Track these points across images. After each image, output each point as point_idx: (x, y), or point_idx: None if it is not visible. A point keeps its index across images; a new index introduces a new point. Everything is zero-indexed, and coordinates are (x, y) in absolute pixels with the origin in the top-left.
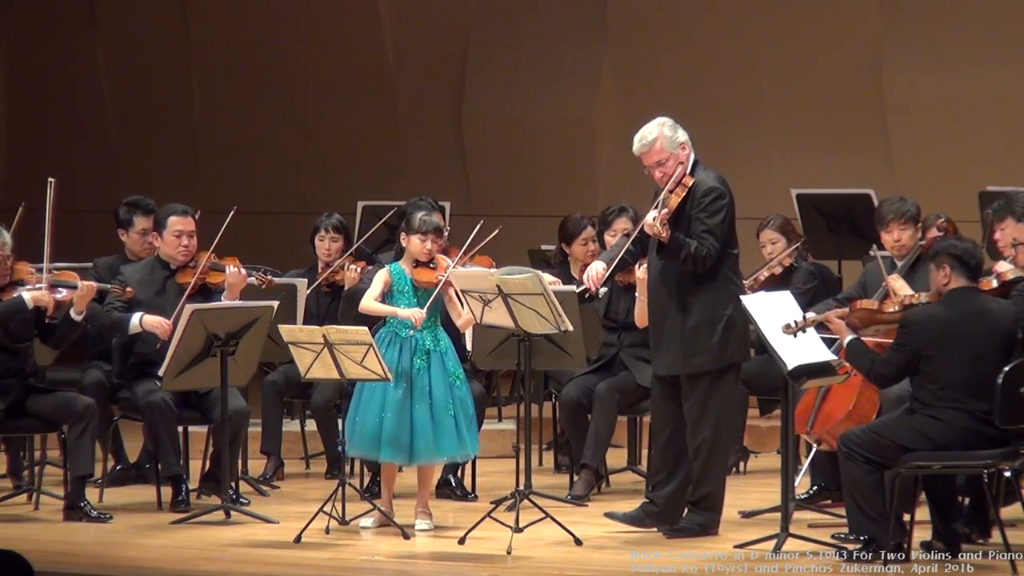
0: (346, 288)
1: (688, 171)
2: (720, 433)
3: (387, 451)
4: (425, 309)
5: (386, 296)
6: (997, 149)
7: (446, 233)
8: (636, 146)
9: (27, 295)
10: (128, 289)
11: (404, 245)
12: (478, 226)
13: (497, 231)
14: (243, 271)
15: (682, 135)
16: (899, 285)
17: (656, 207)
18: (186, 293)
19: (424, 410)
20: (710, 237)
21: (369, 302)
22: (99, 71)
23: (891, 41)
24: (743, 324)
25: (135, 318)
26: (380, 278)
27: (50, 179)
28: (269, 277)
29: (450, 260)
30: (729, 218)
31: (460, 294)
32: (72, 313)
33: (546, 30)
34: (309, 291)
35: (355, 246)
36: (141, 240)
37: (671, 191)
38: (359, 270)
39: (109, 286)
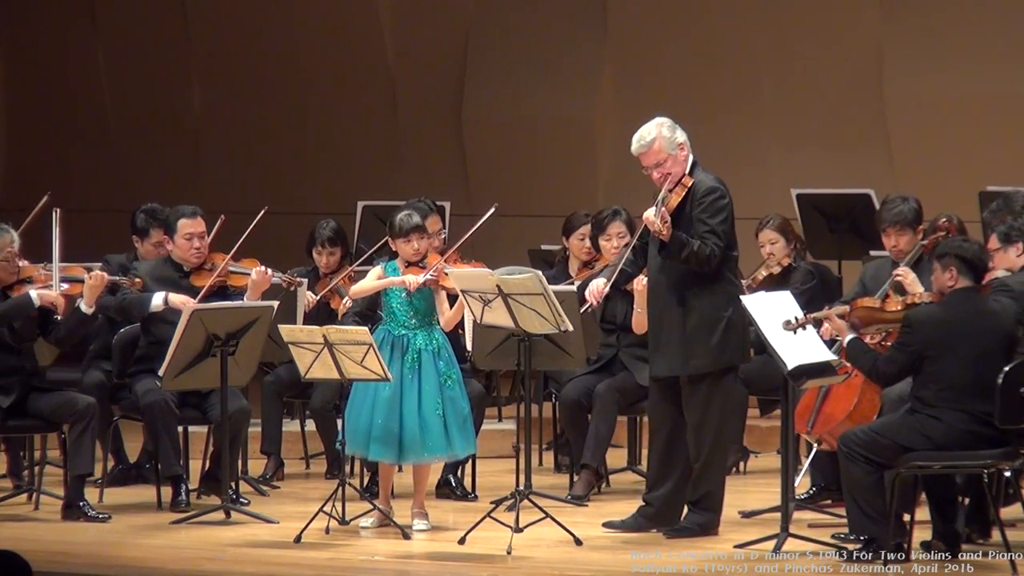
0: (340, 317)
1: (687, 172)
2: (721, 435)
3: (376, 449)
4: (420, 278)
5: (380, 294)
6: (997, 149)
7: (444, 235)
8: (634, 146)
9: (35, 293)
10: (137, 280)
11: (395, 250)
12: (479, 224)
13: (493, 209)
14: (269, 271)
15: (681, 135)
16: (910, 280)
17: (656, 205)
18: (200, 295)
19: (413, 409)
20: (713, 237)
21: (359, 285)
22: (99, 71)
23: (891, 41)
24: (743, 326)
25: (158, 297)
26: (374, 274)
27: (55, 209)
28: (297, 278)
29: (445, 261)
30: (730, 219)
31: (462, 294)
32: (82, 306)
33: (546, 30)
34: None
35: (347, 270)
36: (155, 251)
37: (670, 190)
38: (350, 303)
39: (118, 278)
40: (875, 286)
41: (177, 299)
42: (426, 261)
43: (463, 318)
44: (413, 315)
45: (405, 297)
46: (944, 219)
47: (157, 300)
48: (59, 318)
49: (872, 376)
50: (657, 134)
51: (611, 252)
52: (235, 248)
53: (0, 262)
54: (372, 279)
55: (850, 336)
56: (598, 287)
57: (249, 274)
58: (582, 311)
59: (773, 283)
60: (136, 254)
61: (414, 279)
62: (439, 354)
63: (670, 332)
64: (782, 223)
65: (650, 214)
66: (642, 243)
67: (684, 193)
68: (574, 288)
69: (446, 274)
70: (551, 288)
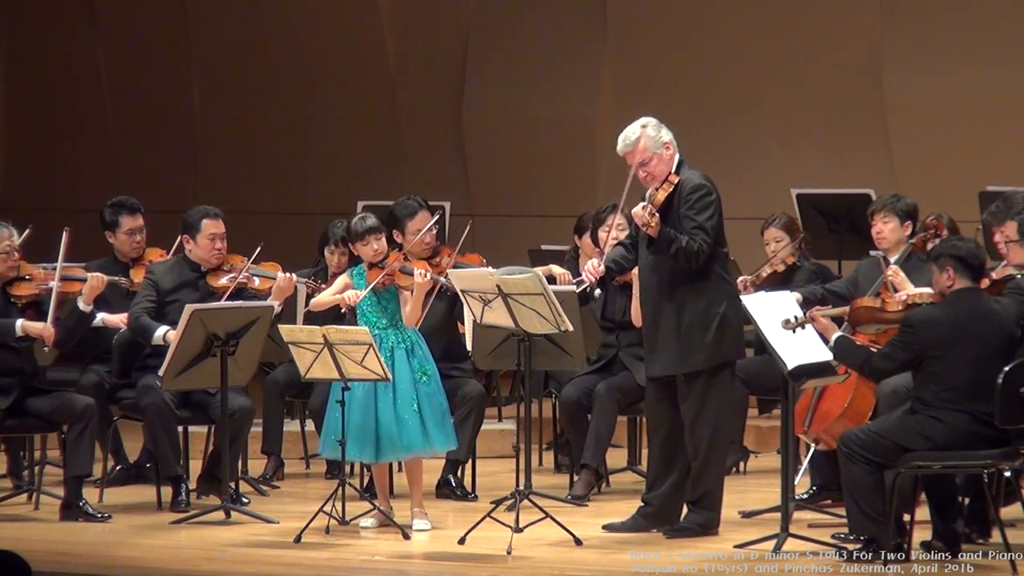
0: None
1: (673, 170)
2: (718, 432)
3: (352, 449)
4: (361, 294)
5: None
6: (997, 149)
7: (435, 229)
8: (619, 146)
9: (19, 323)
10: (136, 281)
11: (357, 255)
12: (466, 229)
13: (438, 216)
14: (293, 276)
15: (666, 135)
16: (900, 279)
17: (644, 202)
18: (224, 297)
19: (388, 407)
20: (701, 233)
21: (318, 298)
22: (99, 70)
23: (891, 41)
24: (737, 322)
25: (160, 331)
26: (341, 281)
27: (66, 228)
28: (319, 283)
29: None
30: (718, 215)
31: (461, 295)
32: (80, 304)
33: (546, 30)
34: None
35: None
36: (129, 240)
37: (657, 188)
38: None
39: (118, 279)
40: (868, 285)
41: (175, 336)
42: (386, 261)
43: (463, 317)
44: (383, 315)
45: (374, 299)
46: (932, 217)
47: (159, 333)
48: (47, 349)
49: (865, 372)
50: (641, 133)
51: (610, 244)
52: (256, 252)
53: None
54: (339, 286)
55: (836, 334)
56: (594, 265)
57: (272, 277)
58: (579, 290)
59: (776, 281)
60: (113, 252)
61: (353, 295)
62: (412, 351)
63: (665, 331)
64: (788, 222)
65: (637, 210)
66: (633, 240)
67: (670, 190)
68: (574, 288)
69: (403, 272)
70: (551, 288)
